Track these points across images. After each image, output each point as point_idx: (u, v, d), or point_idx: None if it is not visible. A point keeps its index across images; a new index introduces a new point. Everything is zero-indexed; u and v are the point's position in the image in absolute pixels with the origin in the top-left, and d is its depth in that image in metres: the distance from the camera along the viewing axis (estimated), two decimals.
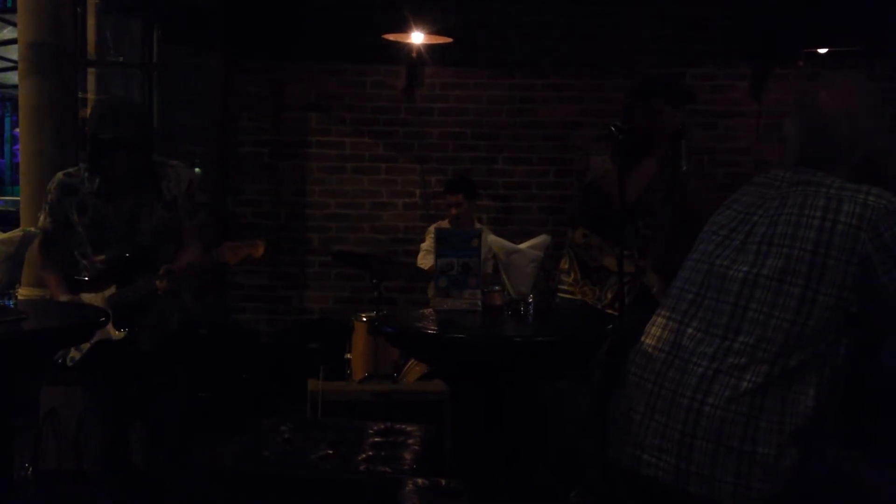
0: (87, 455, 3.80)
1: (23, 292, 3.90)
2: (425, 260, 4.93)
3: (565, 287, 3.61)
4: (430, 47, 5.47)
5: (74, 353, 3.17)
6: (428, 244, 5.08)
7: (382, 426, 3.26)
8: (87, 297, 3.19)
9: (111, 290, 3.18)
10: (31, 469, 3.80)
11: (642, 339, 2.12)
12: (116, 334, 3.14)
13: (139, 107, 3.28)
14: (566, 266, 3.62)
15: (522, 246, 2.92)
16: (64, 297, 3.18)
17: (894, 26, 5.41)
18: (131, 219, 3.19)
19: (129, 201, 3.18)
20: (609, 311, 3.42)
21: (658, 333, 2.08)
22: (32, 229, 2.87)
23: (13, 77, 5.25)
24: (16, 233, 2.79)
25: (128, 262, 3.19)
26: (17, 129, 4.73)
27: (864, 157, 2.05)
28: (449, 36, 5.25)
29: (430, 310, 2.98)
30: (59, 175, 3.24)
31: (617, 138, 2.68)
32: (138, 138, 3.08)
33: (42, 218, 3.25)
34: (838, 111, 2.04)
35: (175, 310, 3.29)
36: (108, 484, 3.27)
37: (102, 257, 3.21)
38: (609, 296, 3.56)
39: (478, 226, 5.12)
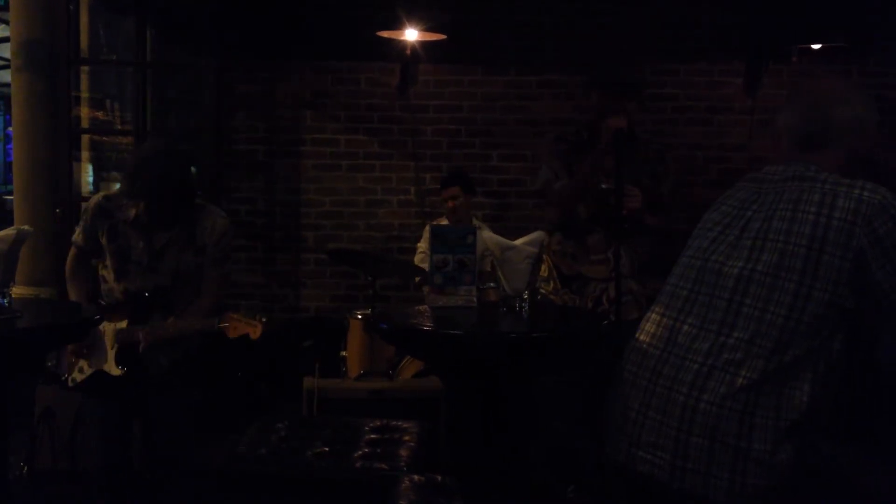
0: (84, 455, 3.79)
1: (17, 291, 3.89)
2: (424, 263, 4.91)
3: (547, 295, 3.59)
4: (424, 44, 5.47)
5: (76, 375, 3.19)
6: (424, 245, 5.06)
7: (378, 423, 3.26)
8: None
9: (122, 324, 3.16)
10: (26, 469, 3.80)
11: (637, 335, 2.12)
12: (116, 371, 3.14)
13: (185, 154, 3.23)
14: (545, 274, 3.60)
15: (517, 242, 2.92)
16: None
17: (886, 22, 5.42)
18: (157, 256, 3.17)
19: (161, 238, 3.16)
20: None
21: (652, 330, 2.08)
22: (26, 227, 2.85)
23: (6, 75, 5.24)
24: (9, 231, 2.77)
25: (146, 301, 3.18)
26: (11, 128, 4.71)
27: (861, 154, 2.05)
28: (443, 33, 5.24)
29: (425, 307, 2.98)
30: (99, 197, 3.25)
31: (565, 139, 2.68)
32: (178, 188, 3.07)
33: (77, 233, 3.27)
34: (834, 92, 2.08)
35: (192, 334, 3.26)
36: (106, 484, 3.26)
37: (122, 286, 3.20)
38: (590, 304, 3.55)
39: (476, 223, 5.11)
